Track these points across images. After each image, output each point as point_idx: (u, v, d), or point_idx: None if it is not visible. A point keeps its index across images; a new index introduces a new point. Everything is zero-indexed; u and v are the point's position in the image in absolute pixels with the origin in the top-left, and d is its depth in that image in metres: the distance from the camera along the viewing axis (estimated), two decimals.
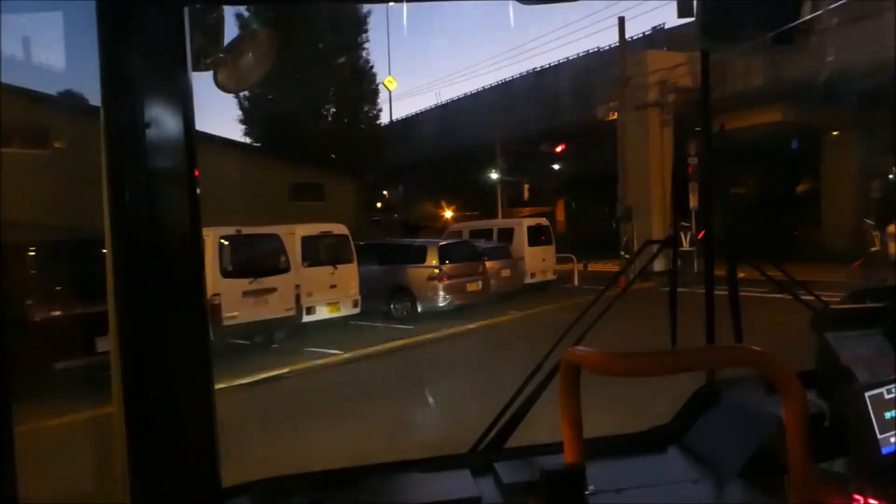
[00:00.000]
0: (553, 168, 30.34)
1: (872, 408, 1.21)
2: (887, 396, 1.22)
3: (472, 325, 12.69)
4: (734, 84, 21.59)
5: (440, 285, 13.31)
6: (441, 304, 13.38)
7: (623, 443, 1.77)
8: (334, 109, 30.40)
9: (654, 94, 22.00)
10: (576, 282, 18.51)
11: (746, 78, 21.89)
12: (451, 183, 34.23)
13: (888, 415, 1.21)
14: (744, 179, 38.58)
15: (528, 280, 16.93)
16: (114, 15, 0.98)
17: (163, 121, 0.99)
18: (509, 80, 30.96)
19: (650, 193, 21.76)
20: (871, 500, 1.15)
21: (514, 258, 16.13)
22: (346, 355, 10.42)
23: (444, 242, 14.64)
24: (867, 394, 1.22)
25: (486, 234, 17.64)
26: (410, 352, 10.99)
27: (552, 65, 29.25)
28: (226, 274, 10.28)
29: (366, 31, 30.34)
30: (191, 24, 1.05)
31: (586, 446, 1.18)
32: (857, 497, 1.17)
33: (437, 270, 13.39)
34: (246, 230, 10.79)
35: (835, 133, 24.90)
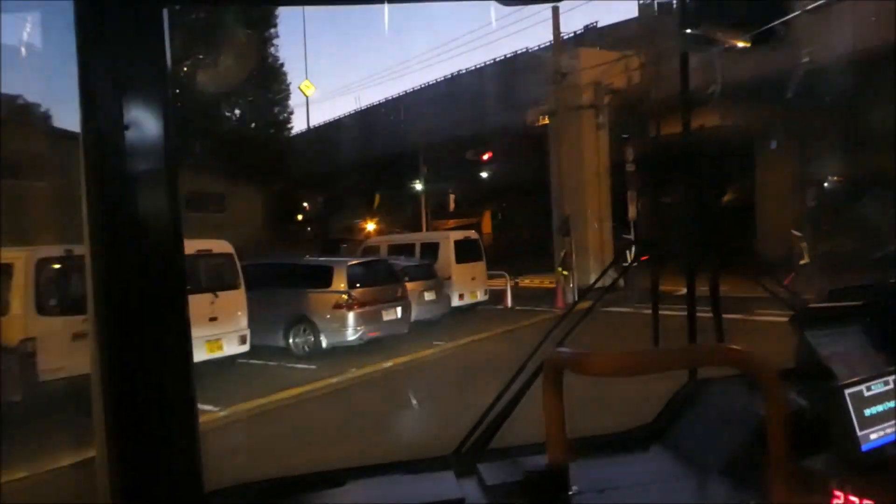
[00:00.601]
0: (480, 177, 28.44)
1: (852, 405, 1.24)
2: (866, 393, 1.26)
3: (388, 363, 10.37)
4: (673, 84, 20.25)
5: (349, 314, 10.80)
6: (351, 338, 10.90)
7: (606, 442, 1.77)
8: (239, 112, 27.51)
9: (589, 95, 20.40)
10: (509, 302, 16.46)
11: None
12: (373, 193, 32.00)
13: (867, 412, 1.25)
14: (676, 187, 38.23)
15: (457, 302, 14.77)
16: (92, 16, 0.97)
17: (142, 122, 0.98)
18: (433, 83, 28.96)
19: (586, 202, 20.08)
20: (851, 497, 1.15)
21: (440, 278, 13.92)
22: (222, 413, 7.95)
23: (354, 262, 12.14)
24: (847, 391, 1.25)
25: (407, 249, 15.38)
26: (305, 406, 8.57)
27: (479, 66, 27.44)
28: (46, 310, 7.60)
29: (275, 25, 27.66)
30: (170, 25, 1.05)
31: (569, 445, 1.19)
32: (837, 493, 1.17)
33: (345, 296, 10.92)
34: (81, 249, 7.94)
35: (771, 139, 23.97)
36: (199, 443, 1.05)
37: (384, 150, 29.49)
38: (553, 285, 17.23)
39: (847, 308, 1.69)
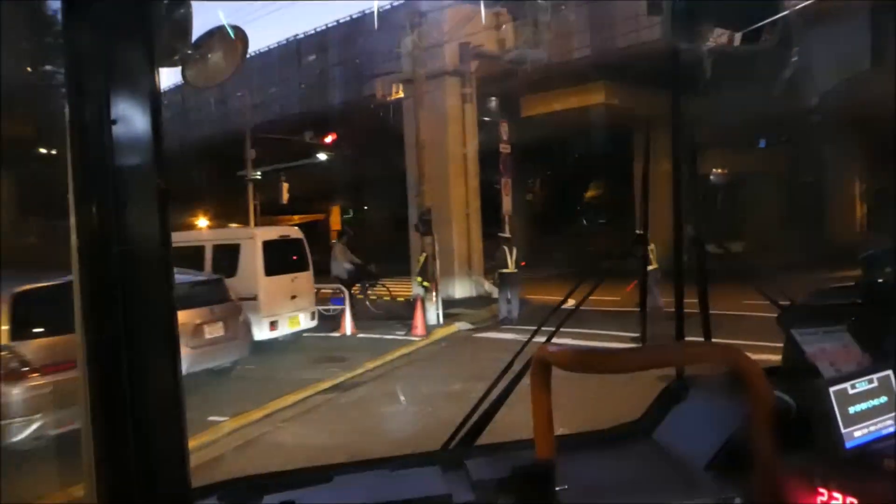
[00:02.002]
0: (325, 164, 23.60)
1: (836, 403, 1.24)
2: (851, 392, 1.26)
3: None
4: (555, 52, 16.73)
5: (15, 391, 5.36)
6: (17, 437, 5.34)
7: (593, 438, 1.78)
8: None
9: (452, 58, 16.33)
10: (348, 327, 11.90)
11: (568, 45, 17.04)
12: (195, 184, 26.31)
13: (852, 409, 1.25)
14: (546, 179, 35.00)
15: (266, 334, 9.96)
16: (80, 9, 0.97)
17: (129, 117, 0.97)
18: (263, 51, 23.73)
19: (449, 193, 15.99)
20: (834, 493, 1.15)
21: (236, 300, 8.92)
22: None
23: (27, 287, 5.90)
24: (831, 389, 1.25)
25: (193, 256, 10.37)
26: None
27: (319, 29, 22.64)
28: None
29: None
30: (158, 19, 1.08)
31: (557, 442, 1.22)
32: (820, 490, 1.18)
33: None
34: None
35: (652, 122, 21.15)
36: (186, 440, 1.01)
37: (205, 133, 24.11)
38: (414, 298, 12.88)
39: (833, 307, 1.69)
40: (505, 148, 15.93)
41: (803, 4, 2.07)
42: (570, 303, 2.23)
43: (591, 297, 2.15)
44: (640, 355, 1.24)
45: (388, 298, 14.45)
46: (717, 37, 1.78)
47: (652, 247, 13.40)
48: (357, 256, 14.27)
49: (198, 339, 7.85)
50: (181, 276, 8.86)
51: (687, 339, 2.03)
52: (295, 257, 10.89)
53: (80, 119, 0.97)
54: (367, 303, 13.86)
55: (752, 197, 26.37)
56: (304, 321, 10.79)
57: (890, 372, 1.35)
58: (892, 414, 1.30)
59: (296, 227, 11.74)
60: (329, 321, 12.07)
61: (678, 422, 1.74)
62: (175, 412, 1.01)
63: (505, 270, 12.72)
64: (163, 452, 1.01)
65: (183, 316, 7.78)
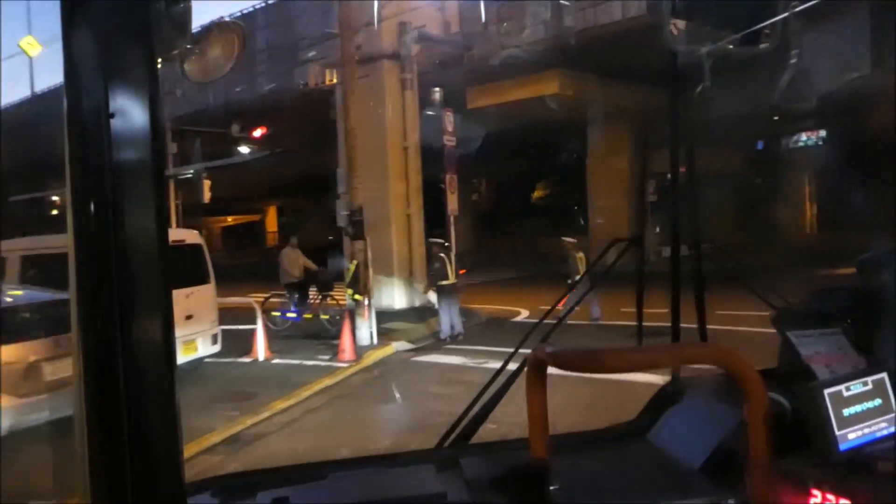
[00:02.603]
0: (260, 160, 21.46)
1: (831, 405, 1.23)
2: (846, 394, 1.25)
3: None
4: (507, 38, 15.04)
5: None
6: None
7: (588, 439, 1.78)
8: None
9: (390, 39, 14.53)
10: (260, 350, 9.96)
11: (520, 28, 15.34)
12: None
13: (846, 412, 1.24)
14: (494, 177, 33.10)
15: None
16: (79, 1, 0.97)
17: (128, 111, 0.97)
18: None
19: (388, 190, 14.21)
20: (828, 495, 1.15)
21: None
22: None
23: None
24: (826, 391, 1.24)
25: (55, 266, 8.27)
26: None
27: (245, 11, 20.55)
28: None
29: None
30: (157, 13, 1.07)
31: (551, 442, 1.27)
32: (814, 492, 1.18)
33: None
34: None
35: (604, 116, 19.52)
36: (181, 436, 1.01)
37: None
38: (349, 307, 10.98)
39: (829, 309, 1.68)
40: (450, 140, 14.20)
41: (804, 6, 1.87)
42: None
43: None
44: (635, 356, 1.25)
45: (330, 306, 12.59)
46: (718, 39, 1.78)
47: (581, 255, 11.99)
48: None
49: (32, 384, 5.85)
50: (18, 296, 6.86)
51: (683, 340, 2.00)
52: (192, 267, 8.92)
53: (78, 112, 0.98)
54: (323, 317, 11.99)
55: (710, 197, 25.39)
56: (204, 346, 8.81)
57: (885, 374, 1.31)
58: (886, 417, 1.28)
59: (195, 231, 9.59)
60: (245, 341, 10.11)
61: (673, 423, 1.72)
62: (169, 408, 1.02)
63: (444, 282, 10.97)
64: (157, 448, 1.01)
65: (10, 352, 5.82)
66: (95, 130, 0.95)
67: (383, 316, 11.93)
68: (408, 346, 10.73)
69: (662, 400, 1.83)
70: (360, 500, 1.50)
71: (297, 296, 12.31)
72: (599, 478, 1.54)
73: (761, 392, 1.14)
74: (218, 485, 1.53)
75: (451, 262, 11.14)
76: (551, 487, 1.27)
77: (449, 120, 14.29)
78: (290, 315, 12.30)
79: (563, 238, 12.53)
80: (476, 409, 1.79)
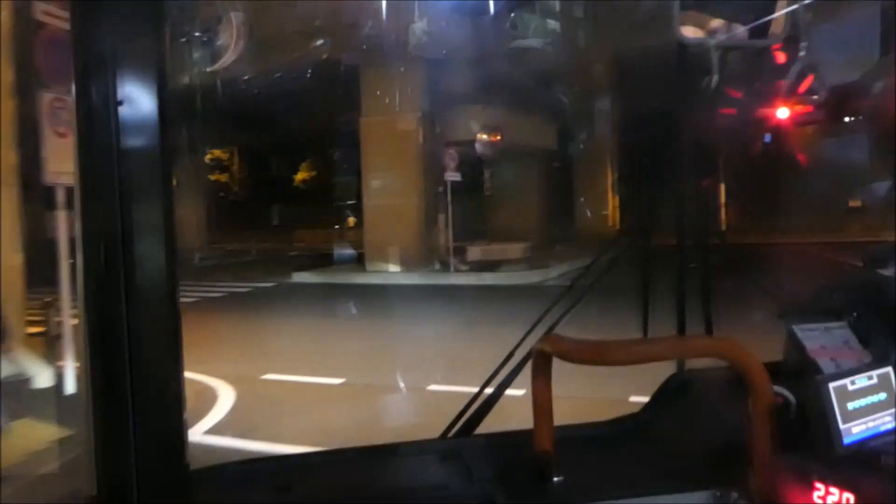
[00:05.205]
0: None
1: (836, 399, 1.24)
2: (851, 388, 1.27)
3: None
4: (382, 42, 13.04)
5: None
6: None
7: (592, 431, 1.78)
8: None
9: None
10: None
11: None
12: None
13: (851, 406, 1.25)
14: (246, 152, 26.02)
15: None
16: None
17: (136, 97, 0.98)
18: None
19: None
20: (832, 489, 1.17)
21: None
22: None
23: None
24: (831, 385, 1.25)
25: None
26: None
27: None
28: None
29: None
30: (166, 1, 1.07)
31: (556, 434, 1.28)
32: (818, 486, 1.19)
33: None
34: None
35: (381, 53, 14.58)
36: (185, 423, 1.05)
37: None
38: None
39: (835, 302, 1.65)
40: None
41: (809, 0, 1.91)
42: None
43: None
44: (641, 348, 1.28)
45: None
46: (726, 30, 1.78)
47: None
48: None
49: None
50: None
51: (689, 332, 1.99)
52: None
53: (87, 99, 0.97)
54: None
55: (514, 176, 22.07)
56: None
57: (890, 369, 1.32)
58: (891, 411, 1.28)
59: None
60: None
61: (677, 415, 1.73)
62: (175, 396, 1.02)
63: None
64: (162, 434, 1.01)
65: None
66: (104, 117, 0.96)
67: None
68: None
69: (667, 392, 1.86)
70: (363, 489, 1.50)
71: None
72: (603, 470, 1.55)
73: (766, 385, 1.17)
74: (221, 472, 1.54)
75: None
76: (555, 479, 1.30)
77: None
78: None
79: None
80: (480, 400, 1.80)
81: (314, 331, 10.86)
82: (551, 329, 1.81)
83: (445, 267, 16.62)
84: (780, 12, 1.74)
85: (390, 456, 1.63)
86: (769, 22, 1.77)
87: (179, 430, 1.03)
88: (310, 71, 15.25)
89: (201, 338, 8.71)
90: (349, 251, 19.27)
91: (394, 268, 16.57)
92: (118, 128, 0.95)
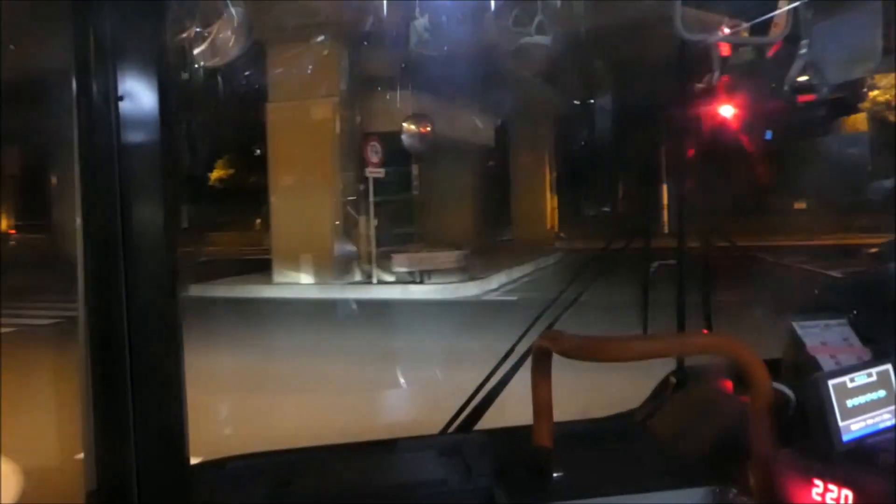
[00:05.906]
0: None
1: (835, 396, 1.23)
2: (850, 385, 1.26)
3: None
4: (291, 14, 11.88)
5: None
6: None
7: (592, 427, 1.78)
8: None
9: None
10: None
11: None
12: None
13: (850, 403, 1.25)
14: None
15: None
16: None
17: (137, 92, 0.97)
18: None
19: None
20: (830, 486, 1.17)
21: None
22: None
23: None
24: (830, 382, 1.24)
25: None
26: None
27: None
28: None
29: None
30: None
31: (555, 430, 1.29)
32: (816, 483, 1.19)
33: None
34: None
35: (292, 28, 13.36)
36: (186, 417, 1.03)
37: None
38: None
39: (835, 299, 1.67)
40: None
41: None
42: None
43: None
44: (641, 344, 1.27)
45: None
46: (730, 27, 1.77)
47: None
48: None
49: None
50: None
51: (689, 329, 2.02)
52: None
53: (87, 95, 0.96)
54: None
55: (446, 173, 20.09)
56: None
57: (889, 366, 1.32)
58: (890, 408, 1.29)
59: None
60: None
61: (677, 412, 1.73)
62: (175, 390, 1.02)
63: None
64: (162, 428, 1.01)
65: None
66: (104, 113, 0.96)
67: None
68: None
69: (666, 388, 1.84)
70: (362, 485, 1.51)
71: None
72: (603, 466, 1.54)
73: (766, 382, 1.17)
74: (222, 465, 1.54)
75: None
76: (554, 475, 1.32)
77: None
78: None
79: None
80: (480, 396, 1.78)
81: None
82: (551, 326, 1.85)
83: (367, 277, 14.43)
84: (780, 10, 1.72)
85: (390, 451, 1.63)
86: (770, 19, 1.74)
87: (180, 425, 1.02)
88: None
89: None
90: (266, 257, 16.97)
91: (306, 279, 14.19)
92: (118, 123, 0.96)
